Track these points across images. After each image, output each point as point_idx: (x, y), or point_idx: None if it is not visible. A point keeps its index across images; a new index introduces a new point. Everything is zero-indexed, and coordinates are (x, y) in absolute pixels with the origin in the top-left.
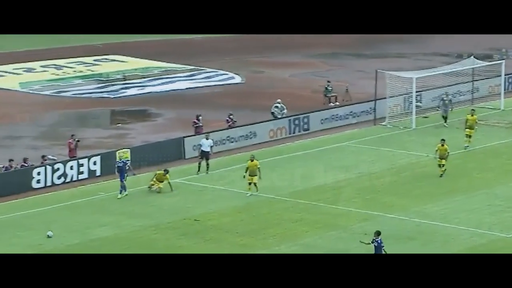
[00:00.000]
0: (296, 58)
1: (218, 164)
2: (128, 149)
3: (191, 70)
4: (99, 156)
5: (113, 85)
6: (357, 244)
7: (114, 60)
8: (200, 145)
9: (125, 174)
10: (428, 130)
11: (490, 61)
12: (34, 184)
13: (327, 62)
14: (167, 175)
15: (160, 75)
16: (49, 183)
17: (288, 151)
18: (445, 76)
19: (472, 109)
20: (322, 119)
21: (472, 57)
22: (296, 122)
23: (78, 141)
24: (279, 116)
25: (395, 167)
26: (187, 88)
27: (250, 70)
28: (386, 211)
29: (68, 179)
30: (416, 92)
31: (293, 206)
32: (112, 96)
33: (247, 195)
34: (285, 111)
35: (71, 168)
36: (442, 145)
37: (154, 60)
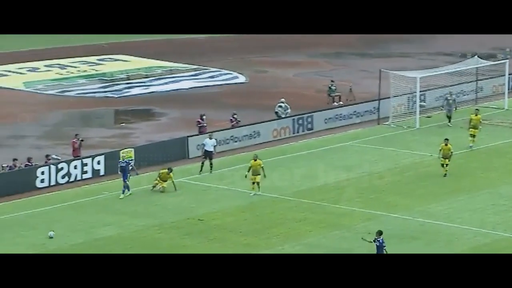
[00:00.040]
0: (300, 57)
1: (221, 164)
2: (132, 149)
3: (195, 69)
4: (103, 156)
5: (117, 84)
6: (360, 243)
7: (117, 60)
8: (204, 145)
9: (128, 174)
10: (431, 129)
11: (494, 61)
12: (38, 184)
13: (331, 61)
14: (171, 173)
15: (164, 75)
16: (53, 183)
17: (292, 151)
18: (449, 75)
19: (476, 109)
20: (326, 119)
21: (476, 56)
22: (300, 121)
23: (82, 140)
24: (283, 116)
25: (398, 167)
26: (191, 88)
27: (253, 70)
28: (390, 210)
29: (72, 179)
30: (420, 91)
31: (297, 206)
32: (116, 96)
33: (251, 194)
34: (289, 110)
35: (75, 167)
36: (446, 145)
37: (158, 59)
